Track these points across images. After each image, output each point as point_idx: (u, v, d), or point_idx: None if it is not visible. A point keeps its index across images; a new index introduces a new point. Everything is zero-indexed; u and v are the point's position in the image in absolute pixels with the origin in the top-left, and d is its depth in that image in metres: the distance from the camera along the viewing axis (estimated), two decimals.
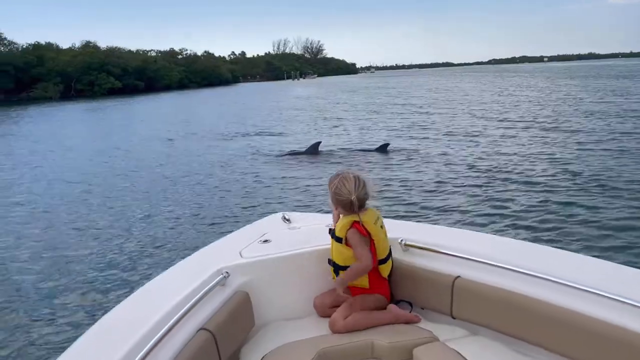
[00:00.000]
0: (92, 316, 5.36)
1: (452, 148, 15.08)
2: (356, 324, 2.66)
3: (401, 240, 2.93)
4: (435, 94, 39.52)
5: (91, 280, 6.51)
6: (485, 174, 11.33)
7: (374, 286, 2.81)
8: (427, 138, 17.36)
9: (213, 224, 8.78)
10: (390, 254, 2.82)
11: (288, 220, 3.43)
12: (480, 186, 10.27)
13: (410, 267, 2.86)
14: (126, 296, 2.61)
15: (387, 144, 15.09)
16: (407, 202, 9.55)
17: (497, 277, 2.51)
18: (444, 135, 17.96)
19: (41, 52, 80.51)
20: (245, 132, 21.39)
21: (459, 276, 2.64)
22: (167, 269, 2.90)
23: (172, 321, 2.17)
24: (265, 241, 3.07)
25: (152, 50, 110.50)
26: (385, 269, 2.80)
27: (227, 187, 11.74)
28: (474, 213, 8.53)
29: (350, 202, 2.68)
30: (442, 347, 2.47)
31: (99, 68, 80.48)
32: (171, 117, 31.51)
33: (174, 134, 22.10)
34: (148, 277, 3.15)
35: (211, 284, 2.53)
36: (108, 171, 14.57)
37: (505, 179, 10.72)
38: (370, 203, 2.77)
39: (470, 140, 16.35)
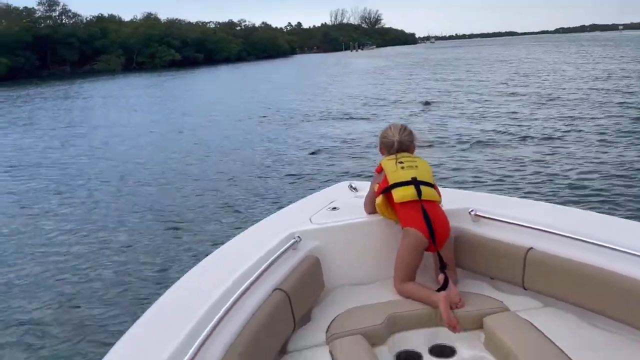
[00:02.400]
0: (171, 276, 5.52)
1: (526, 119, 14.21)
2: (410, 296, 2.72)
3: (471, 211, 2.95)
4: (511, 66, 36.70)
5: (177, 241, 6.91)
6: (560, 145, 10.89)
7: (399, 217, 2.84)
8: (502, 107, 15.71)
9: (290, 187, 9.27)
10: (413, 182, 2.80)
11: (355, 189, 3.52)
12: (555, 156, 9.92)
13: (479, 238, 2.87)
14: (202, 258, 2.67)
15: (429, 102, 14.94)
16: (472, 172, 9.36)
17: (571, 248, 2.50)
18: (515, 105, 16.54)
19: (104, 24, 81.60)
20: (322, 111, 19.85)
21: (531, 248, 2.63)
22: (240, 232, 2.99)
23: (249, 281, 2.26)
24: (334, 208, 3.15)
25: (211, 22, 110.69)
26: (397, 194, 2.79)
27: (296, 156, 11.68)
28: (550, 186, 8.26)
29: (393, 143, 2.91)
30: (514, 317, 2.48)
31: (159, 40, 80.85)
32: (239, 92, 30.23)
33: (250, 109, 20.90)
34: (225, 239, 3.10)
35: (284, 248, 2.63)
36: (187, 140, 14.64)
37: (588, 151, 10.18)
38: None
39: (546, 108, 15.46)
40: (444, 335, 2.53)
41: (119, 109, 24.24)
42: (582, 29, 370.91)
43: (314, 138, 13.54)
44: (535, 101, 17.49)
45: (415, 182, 2.80)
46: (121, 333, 1.99)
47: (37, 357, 4.51)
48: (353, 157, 11.27)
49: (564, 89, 20.39)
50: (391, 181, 2.81)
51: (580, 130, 12.24)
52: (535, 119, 14.03)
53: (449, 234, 2.82)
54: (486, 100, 18.41)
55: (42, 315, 5.17)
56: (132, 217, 8.09)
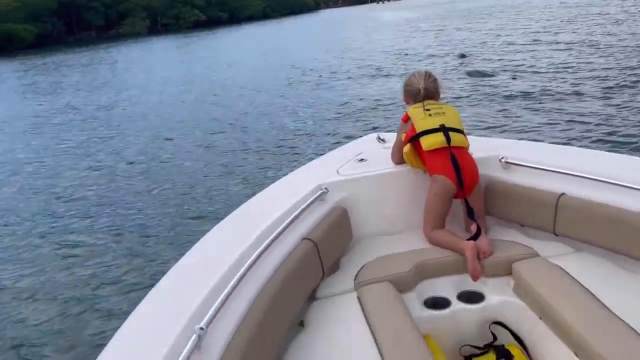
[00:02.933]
0: (206, 223, 5.80)
1: (565, 65, 13.76)
2: (438, 243, 2.72)
3: (501, 158, 2.92)
4: (549, 12, 35.14)
5: (208, 195, 7.26)
6: (590, 84, 10.72)
7: (426, 165, 2.81)
8: (540, 57, 15.56)
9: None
10: (442, 129, 2.74)
11: (383, 140, 3.49)
12: (581, 95, 9.88)
13: (510, 185, 2.84)
14: (234, 208, 2.69)
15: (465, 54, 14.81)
16: (505, 117, 9.36)
17: (604, 192, 2.45)
18: (551, 52, 16.17)
19: None
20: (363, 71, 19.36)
21: (563, 193, 2.59)
22: (269, 185, 3.03)
23: (277, 231, 2.29)
24: (362, 160, 3.15)
25: None
26: (425, 142, 2.75)
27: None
28: (579, 129, 8.23)
29: (418, 90, 2.87)
30: (544, 262, 2.46)
31: (182, 1, 79.88)
32: (266, 52, 29.67)
33: (278, 69, 20.52)
34: (254, 192, 3.15)
35: (312, 199, 2.65)
36: (217, 102, 14.57)
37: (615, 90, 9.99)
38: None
39: (580, 55, 15.02)
40: (472, 282, 2.54)
41: (146, 75, 24.13)
42: None
43: (345, 96, 13.27)
44: (576, 48, 16.63)
45: (444, 129, 2.76)
46: (161, 275, 2.09)
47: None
48: (385, 112, 11.08)
49: (610, 34, 19.37)
50: (419, 129, 2.78)
51: (612, 77, 11.70)
52: (573, 68, 13.41)
53: (478, 180, 2.78)
54: (521, 51, 17.55)
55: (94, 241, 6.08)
56: (163, 177, 8.40)
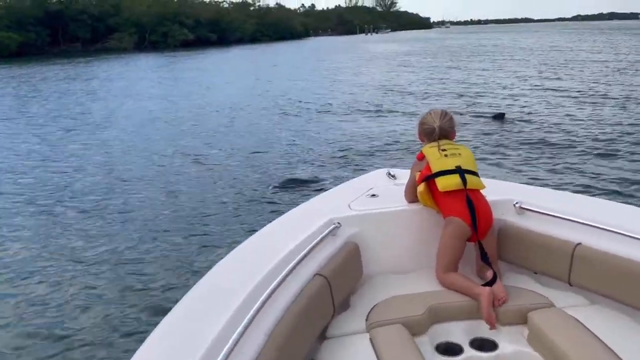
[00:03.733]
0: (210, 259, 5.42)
1: (571, 114, 13.45)
2: (451, 287, 2.67)
3: (516, 203, 2.89)
4: (539, 56, 35.15)
5: (213, 229, 6.65)
6: (609, 142, 10.28)
7: (440, 206, 2.79)
8: (543, 102, 15.41)
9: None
10: (458, 170, 2.73)
11: (393, 176, 3.47)
12: (603, 154, 9.46)
13: (524, 231, 2.81)
14: (242, 240, 2.64)
15: (503, 113, 13.60)
16: (522, 169, 8.87)
17: (621, 245, 2.43)
18: (559, 99, 15.85)
19: (117, 1, 79.98)
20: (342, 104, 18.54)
21: (580, 243, 2.57)
22: (279, 216, 2.97)
23: (290, 266, 2.24)
24: (373, 195, 3.13)
25: (224, 1, 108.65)
26: (441, 183, 2.72)
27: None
28: (597, 180, 7.98)
29: (433, 129, 2.86)
30: (560, 313, 2.43)
31: (172, 19, 79.21)
32: (256, 79, 28.71)
33: (270, 98, 19.53)
34: (262, 224, 2.97)
35: (324, 233, 2.62)
36: (208, 133, 13.13)
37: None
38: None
39: (592, 104, 14.58)
40: (485, 329, 2.49)
41: (130, 92, 22.96)
42: (601, 16, 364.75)
43: (337, 132, 12.41)
44: (570, 95, 16.35)
45: (460, 171, 2.74)
46: (164, 312, 2.00)
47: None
48: (387, 153, 10.43)
49: (597, 82, 19.06)
50: (434, 169, 2.77)
51: (627, 128, 11.45)
52: (570, 115, 13.17)
53: (492, 224, 2.77)
54: (518, 95, 17.06)
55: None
56: (148, 209, 7.54)
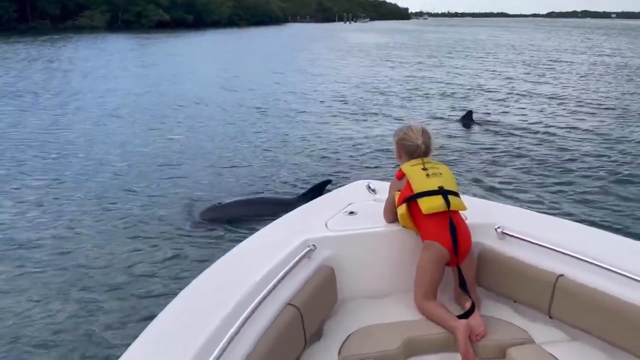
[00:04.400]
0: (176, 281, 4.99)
1: (561, 123, 12.80)
2: (429, 316, 2.60)
3: (497, 227, 2.80)
4: (516, 54, 34.76)
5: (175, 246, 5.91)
6: (596, 156, 9.72)
7: (420, 229, 2.69)
8: (520, 107, 15.02)
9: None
10: (441, 191, 2.65)
11: (373, 190, 3.37)
12: (588, 168, 8.92)
13: (505, 257, 2.72)
14: (212, 261, 2.53)
15: (471, 112, 13.03)
16: (498, 180, 8.33)
17: (605, 279, 2.36)
18: (539, 102, 15.67)
19: None
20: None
21: (562, 274, 2.49)
22: (251, 235, 2.84)
23: (261, 295, 2.16)
24: (351, 213, 3.02)
25: None
26: (425, 205, 2.62)
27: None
28: (578, 200, 7.42)
29: (417, 146, 2.77)
30: (539, 351, 2.38)
31: None
32: (233, 69, 27.38)
33: (247, 94, 18.47)
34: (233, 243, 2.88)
35: (298, 256, 2.51)
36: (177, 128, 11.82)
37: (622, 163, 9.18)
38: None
39: (585, 112, 14.17)
40: None
41: (100, 74, 21.70)
42: (574, 14, 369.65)
43: (320, 137, 11.42)
44: (559, 101, 15.91)
45: (443, 192, 2.67)
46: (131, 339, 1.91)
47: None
48: (369, 158, 9.73)
49: (586, 87, 18.72)
50: (416, 190, 2.67)
51: (618, 137, 11.07)
52: (560, 123, 12.61)
53: (471, 247, 2.68)
54: (502, 98, 16.50)
55: None
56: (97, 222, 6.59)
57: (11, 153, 9.89)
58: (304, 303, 2.33)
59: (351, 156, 9.83)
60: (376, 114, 14.02)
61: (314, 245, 2.64)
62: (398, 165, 2.93)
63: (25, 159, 9.50)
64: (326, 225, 2.85)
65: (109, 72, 22.82)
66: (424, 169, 2.71)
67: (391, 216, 2.86)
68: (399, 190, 2.77)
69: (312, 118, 13.44)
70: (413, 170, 2.72)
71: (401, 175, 2.76)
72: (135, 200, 7.32)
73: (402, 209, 2.70)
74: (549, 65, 27.36)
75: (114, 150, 10.15)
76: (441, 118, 13.39)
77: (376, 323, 2.57)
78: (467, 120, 12.63)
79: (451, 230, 2.59)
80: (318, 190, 6.99)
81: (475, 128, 12.14)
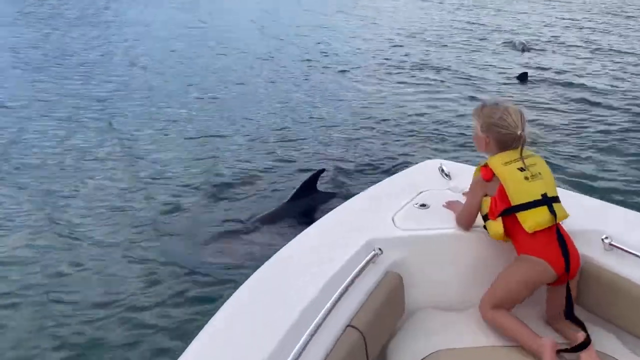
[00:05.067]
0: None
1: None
2: (500, 328, 2.21)
3: (605, 237, 2.32)
4: None
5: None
6: None
7: (518, 243, 2.26)
8: (602, 65, 12.64)
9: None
10: (544, 200, 2.19)
11: (447, 175, 2.92)
12: None
13: (613, 276, 2.25)
14: (264, 260, 2.24)
15: (525, 73, 11.16)
16: (586, 166, 6.70)
17: None
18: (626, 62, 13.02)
19: None
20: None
21: None
22: (305, 229, 2.48)
23: (318, 318, 1.87)
24: (423, 206, 2.63)
25: None
26: (529, 223, 2.18)
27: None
28: None
29: (516, 137, 2.25)
30: None
31: None
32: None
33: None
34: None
35: (361, 264, 2.19)
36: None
37: None
38: None
39: None
40: None
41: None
42: None
43: (370, 99, 9.83)
44: None
45: (547, 200, 2.22)
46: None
47: None
48: (432, 130, 8.19)
49: None
50: (515, 201, 2.21)
51: None
52: None
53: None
54: (577, 55, 14.02)
55: None
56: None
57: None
58: (367, 324, 2.05)
59: (410, 127, 8.33)
60: (437, 69, 12.18)
61: (379, 250, 2.32)
62: (477, 153, 2.44)
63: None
64: (393, 222, 2.50)
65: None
66: (522, 169, 2.23)
67: (470, 224, 2.42)
68: (486, 195, 2.30)
69: (359, 76, 11.57)
70: (508, 172, 2.23)
71: (490, 176, 2.28)
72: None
73: (497, 226, 2.26)
74: None
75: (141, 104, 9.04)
76: (506, 67, 11.58)
77: (451, 347, 2.21)
78: (522, 80, 10.99)
79: (560, 245, 2.19)
80: (309, 186, 5.47)
81: (534, 92, 10.38)
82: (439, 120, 8.71)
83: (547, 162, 2.39)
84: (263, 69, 12.17)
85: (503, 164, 2.25)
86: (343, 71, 12.03)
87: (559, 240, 2.20)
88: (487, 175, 2.29)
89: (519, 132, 2.24)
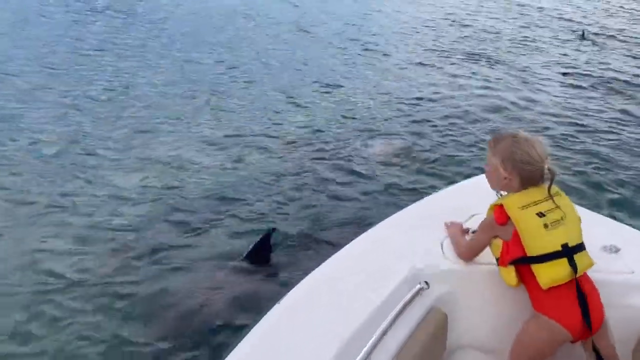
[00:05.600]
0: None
1: None
2: None
3: (633, 272, 2.15)
4: None
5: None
6: None
7: (533, 297, 2.06)
8: None
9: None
10: (565, 251, 1.97)
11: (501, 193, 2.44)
12: None
13: None
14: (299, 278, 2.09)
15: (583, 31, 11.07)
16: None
17: None
18: None
19: None
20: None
21: None
22: (340, 250, 2.28)
23: (362, 354, 1.76)
24: (475, 232, 2.31)
25: None
26: (544, 278, 1.98)
27: None
28: None
29: (541, 173, 2.04)
30: None
31: None
32: None
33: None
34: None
35: (405, 300, 2.01)
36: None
37: None
38: None
39: None
40: None
41: None
42: None
43: (409, 98, 8.60)
44: None
45: (568, 251, 2.00)
46: None
47: None
48: (482, 135, 7.08)
49: None
50: (531, 252, 2.00)
51: None
52: None
53: (605, 316, 2.04)
54: None
55: None
56: None
57: None
58: None
59: (463, 128, 7.38)
60: (490, 60, 10.98)
61: (426, 284, 2.10)
62: (495, 192, 2.18)
63: None
64: (442, 249, 2.28)
65: None
66: (541, 214, 1.98)
67: (471, 259, 2.24)
68: (496, 237, 2.09)
69: (407, 66, 10.37)
70: (526, 218, 1.99)
71: (505, 220, 2.03)
72: None
73: (509, 275, 2.06)
74: None
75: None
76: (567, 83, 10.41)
77: None
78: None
79: (580, 302, 1.96)
80: (261, 248, 4.36)
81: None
82: (491, 119, 7.76)
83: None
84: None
85: (520, 208, 2.03)
86: (387, 55, 11.04)
87: (578, 297, 2.00)
88: (501, 219, 2.07)
89: (546, 167, 2.03)
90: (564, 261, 2.00)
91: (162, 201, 5.18)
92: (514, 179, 2.10)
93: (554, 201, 2.04)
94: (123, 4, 13.86)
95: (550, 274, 2.00)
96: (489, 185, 2.28)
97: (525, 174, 2.08)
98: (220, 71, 9.28)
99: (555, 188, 2.08)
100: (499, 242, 2.12)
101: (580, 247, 2.06)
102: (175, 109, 7.47)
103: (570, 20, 15.62)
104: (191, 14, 13.41)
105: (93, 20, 12.23)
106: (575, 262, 2.01)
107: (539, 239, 2.00)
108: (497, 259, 2.15)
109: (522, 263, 2.04)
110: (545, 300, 2.04)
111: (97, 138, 6.46)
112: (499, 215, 2.07)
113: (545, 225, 2.01)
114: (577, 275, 2.02)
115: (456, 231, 2.38)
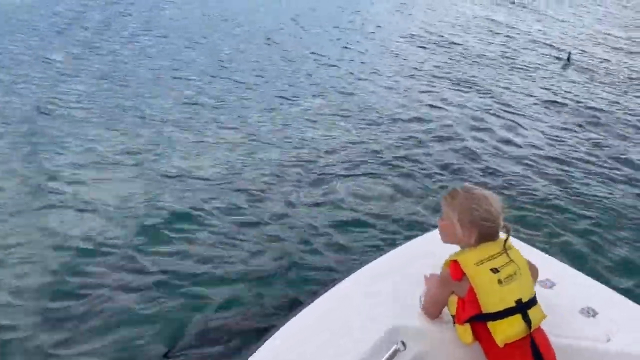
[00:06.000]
0: None
1: None
2: None
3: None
4: None
5: None
6: None
7: (488, 354, 2.06)
8: None
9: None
10: (520, 307, 2.00)
11: None
12: None
13: None
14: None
15: (569, 53, 11.66)
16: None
17: None
18: None
19: None
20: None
21: None
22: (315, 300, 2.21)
23: None
24: None
25: None
26: (500, 335, 1.98)
27: None
28: None
29: (496, 229, 2.09)
30: None
31: None
32: None
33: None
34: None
35: None
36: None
37: None
38: None
39: None
40: None
41: None
42: None
43: (409, 126, 8.00)
44: None
45: (522, 306, 2.03)
46: None
47: None
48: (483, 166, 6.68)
49: None
50: (486, 309, 2.01)
51: None
52: None
53: None
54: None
55: None
56: None
57: None
58: None
59: (447, 161, 6.84)
60: (468, 83, 10.48)
61: (402, 344, 2.01)
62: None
63: None
64: (421, 302, 2.21)
65: None
66: (495, 270, 2.00)
67: (435, 316, 2.19)
68: (452, 292, 2.09)
69: (382, 91, 9.76)
70: (481, 274, 2.00)
71: (460, 276, 2.03)
72: None
73: (465, 333, 2.06)
74: None
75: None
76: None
77: None
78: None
79: (535, 357, 1.99)
80: None
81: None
82: (476, 151, 7.24)
83: None
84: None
85: (475, 264, 2.03)
86: (363, 79, 10.52)
87: (533, 352, 2.02)
88: (456, 275, 2.05)
89: (500, 223, 2.07)
90: (518, 317, 2.03)
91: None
92: (472, 235, 2.11)
93: (508, 255, 2.06)
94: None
95: (506, 330, 2.02)
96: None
97: (484, 230, 2.09)
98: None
99: (507, 242, 2.10)
100: (454, 299, 2.12)
101: (534, 300, 2.09)
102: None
103: (554, 45, 15.52)
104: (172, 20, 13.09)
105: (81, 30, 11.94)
106: (529, 317, 2.04)
107: (492, 295, 2.01)
108: (453, 317, 2.13)
109: (478, 320, 2.05)
110: (501, 357, 2.05)
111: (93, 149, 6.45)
112: (454, 272, 2.07)
113: (500, 281, 2.02)
114: (531, 330, 2.04)
115: (432, 285, 2.29)
